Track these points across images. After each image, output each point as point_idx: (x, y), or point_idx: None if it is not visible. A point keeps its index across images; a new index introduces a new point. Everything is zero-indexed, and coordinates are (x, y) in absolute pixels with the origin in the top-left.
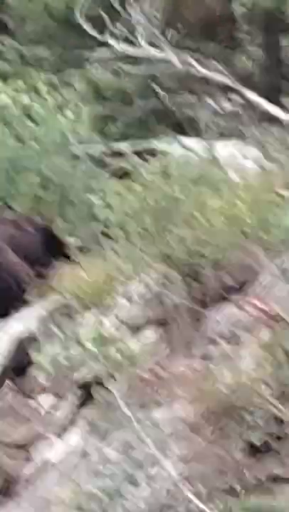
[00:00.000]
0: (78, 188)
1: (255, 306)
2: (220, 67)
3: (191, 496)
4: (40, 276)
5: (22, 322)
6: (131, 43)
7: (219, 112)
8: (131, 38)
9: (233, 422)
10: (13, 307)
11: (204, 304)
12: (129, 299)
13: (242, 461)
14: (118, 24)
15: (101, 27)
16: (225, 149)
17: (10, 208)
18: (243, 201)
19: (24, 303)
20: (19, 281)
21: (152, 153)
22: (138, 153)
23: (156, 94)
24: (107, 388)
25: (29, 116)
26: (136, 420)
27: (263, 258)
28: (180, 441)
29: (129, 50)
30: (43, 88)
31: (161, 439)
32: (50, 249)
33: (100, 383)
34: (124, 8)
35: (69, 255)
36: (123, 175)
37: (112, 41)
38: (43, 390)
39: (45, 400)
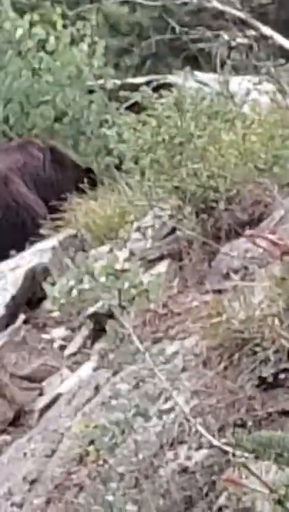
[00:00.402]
0: (93, 121)
1: (268, 241)
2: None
3: (202, 430)
4: (53, 209)
5: (36, 256)
6: None
7: (234, 46)
8: None
9: (245, 356)
10: (27, 241)
11: (218, 239)
12: (143, 233)
13: (253, 396)
14: None
15: None
16: (240, 84)
17: None
18: (258, 136)
19: (38, 237)
20: (33, 215)
21: (167, 87)
22: (153, 88)
23: (171, 28)
24: (119, 321)
25: (44, 50)
26: (148, 354)
27: (276, 193)
28: (192, 375)
29: None
30: (59, 21)
31: (173, 373)
32: (59, 172)
33: (112, 317)
34: None
35: (80, 180)
36: (137, 109)
37: None
38: (56, 323)
39: (58, 333)
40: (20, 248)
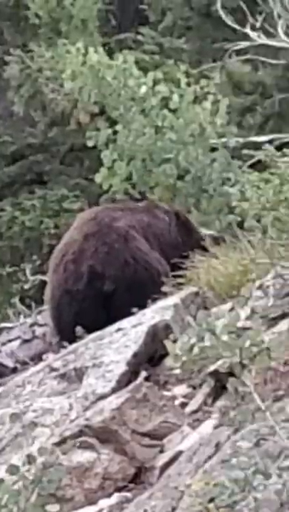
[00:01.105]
0: (215, 179)
1: None
2: None
3: None
4: (176, 267)
5: (157, 313)
6: (270, 35)
7: None
8: (271, 30)
9: None
10: (150, 299)
11: None
12: (265, 291)
13: None
14: (258, 16)
15: (241, 19)
16: None
17: (146, 199)
18: None
19: (161, 294)
20: (156, 273)
21: None
22: (276, 146)
23: None
24: (241, 379)
25: (167, 107)
26: (269, 412)
27: None
28: None
29: (269, 42)
30: (182, 79)
31: None
32: (184, 235)
33: (233, 374)
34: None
35: (203, 243)
36: (260, 167)
37: (252, 33)
38: (177, 380)
39: (179, 391)
40: (141, 305)
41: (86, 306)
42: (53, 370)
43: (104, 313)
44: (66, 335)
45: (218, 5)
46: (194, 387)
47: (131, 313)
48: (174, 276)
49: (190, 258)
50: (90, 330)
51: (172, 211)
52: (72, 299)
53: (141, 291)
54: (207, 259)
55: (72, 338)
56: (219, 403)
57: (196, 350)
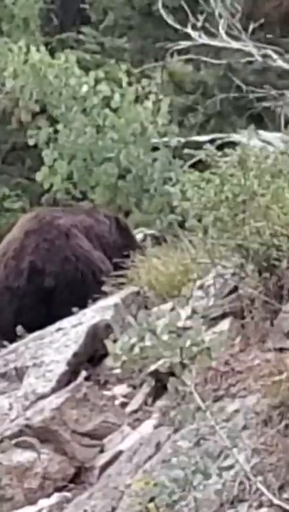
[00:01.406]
0: (156, 179)
1: None
2: None
3: (262, 488)
4: (116, 267)
5: (98, 313)
6: (212, 35)
7: None
8: (212, 29)
9: None
10: (90, 298)
11: (280, 298)
12: (205, 291)
13: None
14: (199, 16)
15: (182, 19)
16: None
17: (87, 199)
18: None
19: (102, 294)
20: (97, 272)
21: (231, 145)
22: (217, 146)
23: (236, 87)
24: (181, 379)
25: (109, 107)
26: (209, 412)
27: None
28: (252, 433)
29: (210, 41)
30: (124, 79)
31: (234, 431)
32: (123, 239)
33: (174, 374)
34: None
35: (140, 246)
36: (201, 167)
37: (193, 33)
38: (118, 380)
39: (120, 390)
40: (82, 302)
41: (26, 303)
42: None
43: (44, 310)
44: (7, 332)
45: (160, 4)
46: (134, 387)
47: (71, 313)
48: (115, 276)
49: (131, 258)
50: (30, 326)
51: (112, 216)
52: (12, 295)
53: (82, 287)
54: (148, 259)
55: (13, 338)
56: (159, 403)
57: (136, 349)
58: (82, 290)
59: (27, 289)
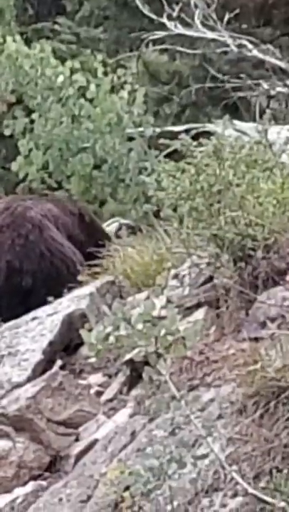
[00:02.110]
0: (132, 169)
1: None
2: (275, 51)
3: (237, 478)
4: (91, 256)
5: (73, 302)
6: (187, 25)
7: (274, 96)
8: (187, 19)
9: (281, 404)
10: (65, 288)
11: (255, 287)
12: (180, 281)
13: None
14: (175, 6)
15: (158, 8)
16: (279, 133)
17: (62, 189)
18: None
19: (77, 283)
20: (70, 265)
21: (206, 135)
22: (192, 136)
23: (211, 77)
24: (156, 368)
25: (84, 97)
26: (184, 401)
27: None
28: (227, 422)
29: (186, 31)
30: (99, 69)
31: (209, 420)
32: (86, 233)
33: (149, 363)
34: None
35: (108, 239)
36: (177, 157)
37: (168, 23)
38: (93, 369)
39: (95, 379)
40: (58, 295)
41: (5, 303)
42: None
43: (22, 309)
44: None
45: None
46: (110, 376)
47: (47, 302)
48: (90, 266)
49: (106, 247)
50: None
51: (77, 210)
52: None
53: (57, 283)
54: (123, 249)
55: None
56: (134, 392)
57: (111, 339)
58: (57, 286)
59: (5, 290)
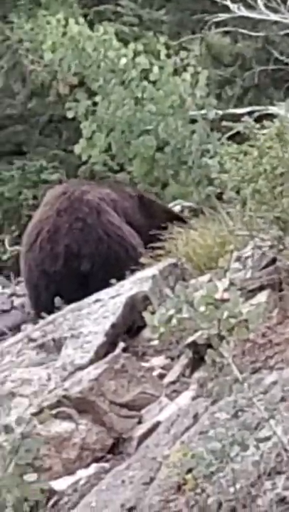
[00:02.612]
0: (194, 151)
1: None
2: None
3: None
4: (155, 238)
5: (136, 284)
6: (250, 7)
7: None
8: (250, 1)
9: None
10: (125, 271)
11: None
12: (243, 263)
13: None
14: None
15: None
16: None
17: (124, 171)
18: None
19: (139, 266)
20: (129, 248)
21: (269, 118)
22: (254, 118)
23: (274, 59)
24: (218, 351)
25: (147, 79)
26: (247, 384)
27: None
28: None
29: (249, 14)
30: (162, 51)
31: (271, 403)
32: (145, 219)
33: (211, 346)
34: None
35: (175, 219)
36: (239, 139)
37: (231, 5)
38: (156, 351)
39: (157, 362)
40: (121, 278)
41: (64, 287)
42: (31, 340)
43: (81, 293)
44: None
45: None
46: (172, 359)
47: (106, 286)
48: (153, 248)
49: (168, 230)
50: None
51: (136, 194)
52: (49, 280)
53: (116, 267)
54: (186, 231)
55: (51, 309)
56: (197, 374)
57: (174, 321)
58: (116, 269)
59: (64, 274)
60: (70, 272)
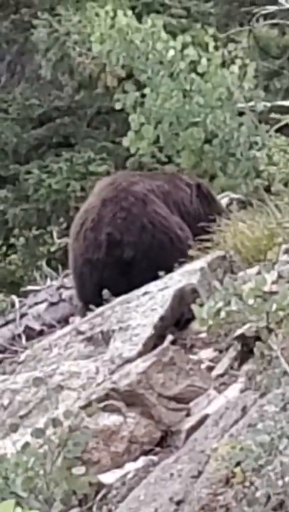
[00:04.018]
0: (242, 143)
1: None
2: None
3: None
4: (203, 231)
5: (184, 277)
6: None
7: None
8: None
9: None
10: (172, 263)
11: None
12: None
13: None
14: None
15: None
16: None
17: (172, 163)
18: None
19: (188, 258)
20: (174, 239)
21: None
22: None
23: None
24: (267, 344)
25: (196, 71)
26: None
27: None
28: None
29: None
30: (211, 43)
31: None
32: (204, 208)
33: (260, 338)
34: None
35: (225, 212)
36: (287, 131)
37: None
38: (204, 344)
39: (206, 354)
40: (162, 269)
41: (107, 275)
42: (79, 333)
43: (125, 281)
44: (90, 303)
45: None
46: (221, 351)
47: (157, 277)
48: (201, 240)
49: (217, 222)
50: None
51: (194, 183)
52: (92, 268)
53: (160, 256)
54: (234, 223)
55: (99, 302)
56: (246, 367)
57: (222, 314)
58: (160, 258)
59: (106, 262)
60: (113, 259)
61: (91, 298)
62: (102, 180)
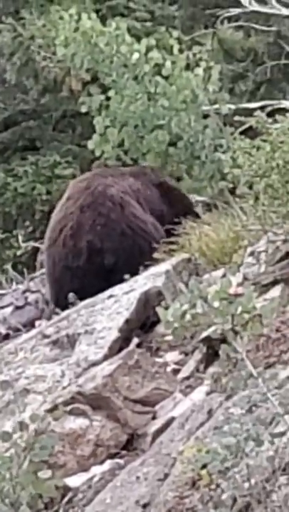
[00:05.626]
0: (207, 146)
1: None
2: None
3: None
4: (168, 234)
5: (149, 279)
6: (262, 1)
7: None
8: None
9: None
10: (142, 265)
11: None
12: (257, 258)
13: None
14: None
15: None
16: None
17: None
18: None
19: (153, 261)
20: (153, 240)
21: (281, 112)
22: (267, 113)
23: (286, 54)
24: (233, 346)
25: (160, 74)
26: (261, 379)
27: None
28: None
29: (261, 8)
30: (175, 46)
31: (286, 397)
32: (168, 205)
33: (225, 341)
34: None
35: (190, 212)
36: (252, 134)
37: (243, 0)
38: (170, 346)
39: (171, 357)
40: (135, 272)
41: (87, 282)
42: (45, 336)
43: (106, 287)
44: (66, 309)
45: None
46: (186, 354)
47: (123, 280)
48: (166, 243)
49: (182, 224)
50: None
51: (158, 180)
52: (73, 275)
53: (139, 261)
54: (199, 226)
55: (65, 305)
56: (211, 369)
57: (188, 316)
58: (140, 263)
59: (87, 269)
60: (94, 267)
61: (67, 304)
62: (74, 182)
